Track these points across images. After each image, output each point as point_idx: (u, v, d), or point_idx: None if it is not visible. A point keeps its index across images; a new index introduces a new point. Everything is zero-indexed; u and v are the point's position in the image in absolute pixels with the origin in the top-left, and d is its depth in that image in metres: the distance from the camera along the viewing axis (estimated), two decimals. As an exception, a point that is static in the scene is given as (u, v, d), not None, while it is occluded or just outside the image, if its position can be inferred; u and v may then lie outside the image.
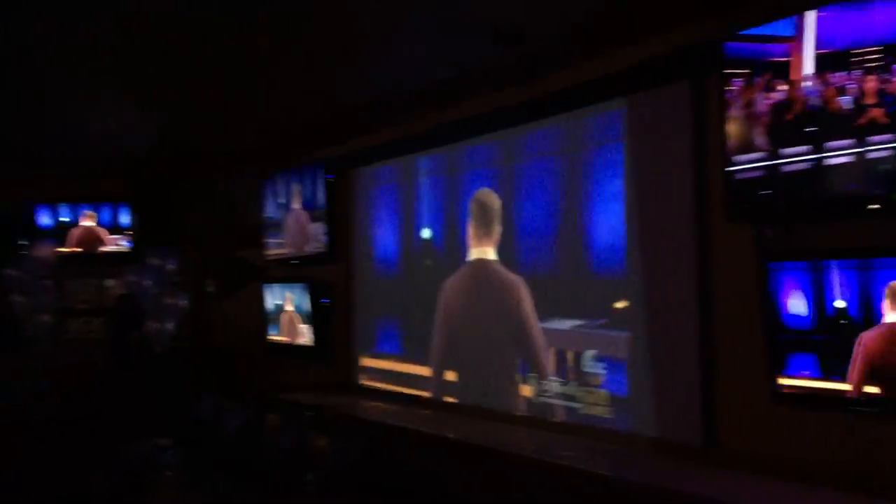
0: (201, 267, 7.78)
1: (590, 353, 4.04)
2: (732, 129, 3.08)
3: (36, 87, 4.65)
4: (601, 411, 4.00)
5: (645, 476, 3.36)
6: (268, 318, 6.70)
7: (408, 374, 5.52)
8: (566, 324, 4.24)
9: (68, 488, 2.04)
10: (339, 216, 5.97)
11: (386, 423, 4.87)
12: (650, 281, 3.74)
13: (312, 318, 6.12)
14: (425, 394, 5.23)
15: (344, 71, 4.37)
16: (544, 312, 4.38)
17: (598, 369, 4.01)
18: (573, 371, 4.16)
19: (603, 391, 3.99)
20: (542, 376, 4.34)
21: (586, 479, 3.47)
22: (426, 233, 5.36)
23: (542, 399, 4.35)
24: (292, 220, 6.33)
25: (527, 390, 4.45)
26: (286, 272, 6.55)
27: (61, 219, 7.64)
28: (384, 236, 5.80)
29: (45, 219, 7.63)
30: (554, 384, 4.26)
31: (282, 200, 6.46)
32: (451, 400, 5.03)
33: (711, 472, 3.33)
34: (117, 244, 7.65)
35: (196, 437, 5.57)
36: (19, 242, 6.48)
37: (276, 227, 6.58)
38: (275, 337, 6.65)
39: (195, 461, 4.59)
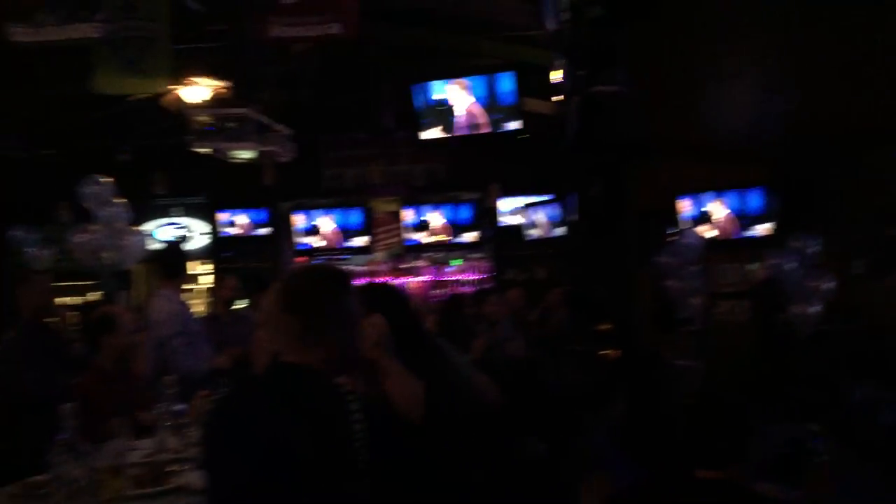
0: (848, 248, 7.36)
1: None
2: None
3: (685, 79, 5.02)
4: None
5: None
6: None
7: None
8: None
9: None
10: None
11: None
12: None
13: None
14: None
15: None
16: None
17: None
18: None
19: None
20: None
21: None
22: None
23: None
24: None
25: None
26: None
27: (704, 208, 8.10)
28: None
29: (689, 209, 8.18)
30: None
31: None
32: None
33: None
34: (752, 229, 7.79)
35: (849, 427, 5.27)
36: (668, 231, 7.04)
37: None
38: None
39: (847, 452, 4.34)
